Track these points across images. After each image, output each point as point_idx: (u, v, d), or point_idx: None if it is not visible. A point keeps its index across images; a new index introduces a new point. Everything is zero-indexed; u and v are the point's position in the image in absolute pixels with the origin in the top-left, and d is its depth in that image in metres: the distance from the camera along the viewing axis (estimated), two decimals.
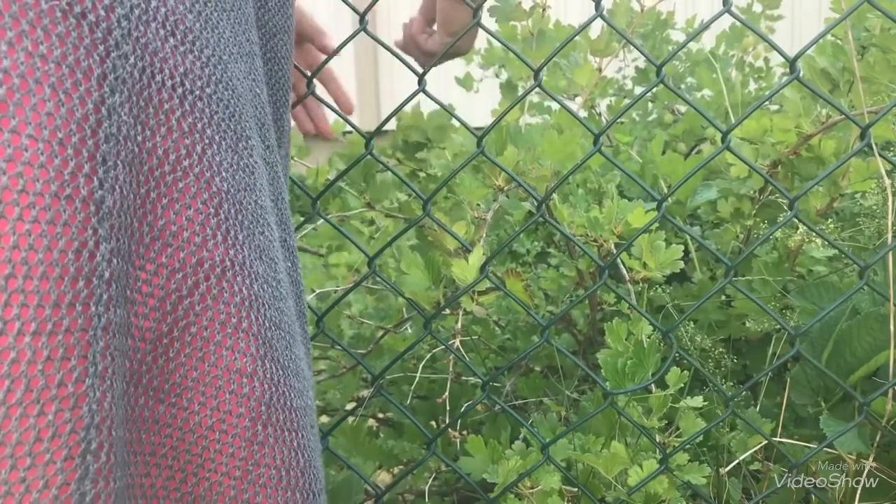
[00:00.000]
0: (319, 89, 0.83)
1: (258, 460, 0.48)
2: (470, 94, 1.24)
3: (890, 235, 0.83)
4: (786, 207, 0.96)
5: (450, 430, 0.83)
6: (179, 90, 0.44)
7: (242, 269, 0.47)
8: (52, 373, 0.38)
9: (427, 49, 0.83)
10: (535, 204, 0.79)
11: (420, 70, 0.80)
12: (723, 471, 0.90)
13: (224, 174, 0.46)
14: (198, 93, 0.45)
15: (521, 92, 1.04)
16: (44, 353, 0.38)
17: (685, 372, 0.80)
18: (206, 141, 0.45)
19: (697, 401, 0.82)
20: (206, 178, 0.45)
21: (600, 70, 1.02)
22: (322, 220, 0.92)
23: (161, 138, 0.44)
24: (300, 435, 0.51)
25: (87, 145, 0.40)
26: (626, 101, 1.30)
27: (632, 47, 0.80)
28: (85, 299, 0.40)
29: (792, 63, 0.76)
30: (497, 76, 1.18)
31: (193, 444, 0.47)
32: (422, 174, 1.00)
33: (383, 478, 1.11)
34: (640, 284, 0.86)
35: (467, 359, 0.85)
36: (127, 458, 0.44)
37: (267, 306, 0.48)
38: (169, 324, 0.45)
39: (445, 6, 0.80)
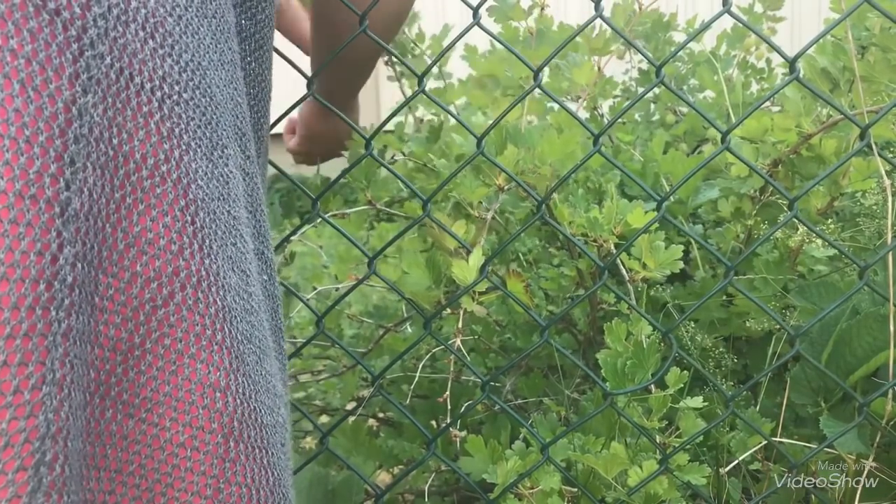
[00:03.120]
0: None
1: (229, 478, 0.47)
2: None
3: (890, 236, 0.83)
4: (786, 208, 0.96)
5: (451, 429, 0.83)
6: (158, 94, 0.43)
7: (217, 280, 0.46)
8: (8, 379, 0.37)
9: (290, 148, 0.99)
10: (536, 204, 0.79)
11: (419, 71, 0.81)
12: (723, 471, 0.90)
13: (200, 182, 0.45)
14: (175, 97, 0.44)
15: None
16: (1, 358, 0.37)
17: (685, 372, 0.80)
18: (184, 147, 0.44)
19: (697, 401, 0.82)
20: (184, 184, 0.44)
21: (600, 69, 1.02)
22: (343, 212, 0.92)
23: (139, 142, 0.43)
24: (269, 453, 0.49)
25: (55, 145, 0.39)
26: (628, 102, 1.30)
27: (636, 49, 0.80)
28: (45, 303, 0.38)
29: (792, 63, 0.76)
30: None
31: (163, 461, 0.45)
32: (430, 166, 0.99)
33: (383, 478, 1.11)
34: (640, 284, 0.86)
35: (468, 359, 0.85)
36: (87, 472, 0.43)
37: (238, 319, 0.47)
38: (142, 335, 0.44)
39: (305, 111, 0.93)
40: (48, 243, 0.39)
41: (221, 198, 0.47)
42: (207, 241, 0.45)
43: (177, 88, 0.44)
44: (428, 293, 0.84)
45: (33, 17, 0.39)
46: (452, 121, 1.03)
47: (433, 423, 1.06)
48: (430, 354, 0.98)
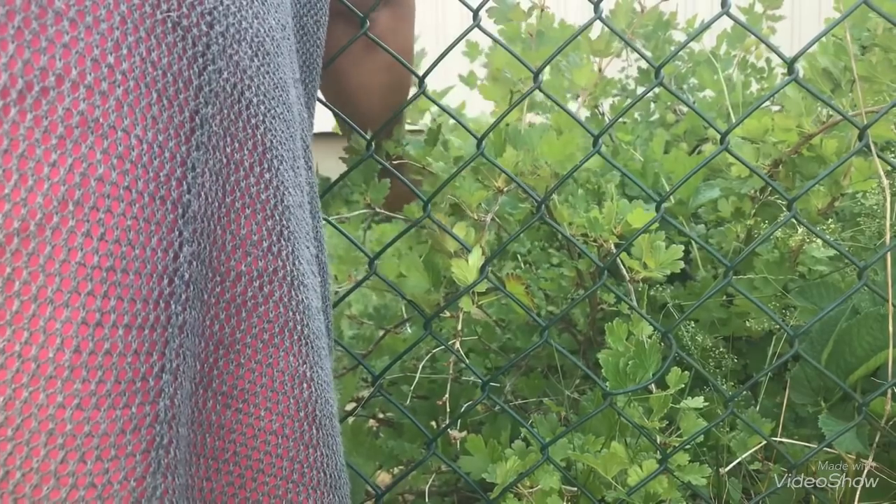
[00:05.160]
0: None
1: (311, 462, 0.51)
2: (473, 89, 1.24)
3: (888, 236, 0.83)
4: (785, 208, 0.96)
5: (450, 430, 0.83)
6: (262, 107, 0.47)
7: (302, 279, 0.50)
8: (138, 366, 0.40)
9: None
10: (535, 205, 0.79)
11: (420, 73, 0.81)
12: (723, 471, 0.90)
13: (290, 189, 0.49)
14: (273, 111, 0.48)
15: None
16: (132, 347, 0.40)
17: (685, 372, 0.80)
18: (280, 157, 0.48)
19: (698, 401, 0.82)
20: (281, 191, 0.48)
21: (601, 70, 1.02)
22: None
23: (247, 151, 0.46)
24: (336, 439, 0.54)
25: (181, 151, 0.42)
26: (628, 102, 1.30)
27: (636, 51, 0.80)
28: (167, 297, 0.42)
29: (791, 64, 0.76)
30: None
31: (256, 448, 0.49)
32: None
33: (383, 478, 1.11)
34: (641, 284, 0.86)
35: (467, 360, 0.85)
36: (189, 458, 0.46)
37: (313, 316, 0.51)
38: (242, 330, 0.47)
39: None
40: (171, 242, 0.42)
41: (300, 205, 0.51)
42: (295, 243, 0.49)
43: (273, 103, 0.48)
44: (427, 296, 0.84)
45: (170, 33, 0.42)
46: (451, 122, 1.03)
47: (433, 423, 1.06)
48: (430, 355, 0.98)
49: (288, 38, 0.53)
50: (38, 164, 0.37)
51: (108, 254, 0.39)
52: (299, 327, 0.49)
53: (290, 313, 0.49)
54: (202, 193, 0.43)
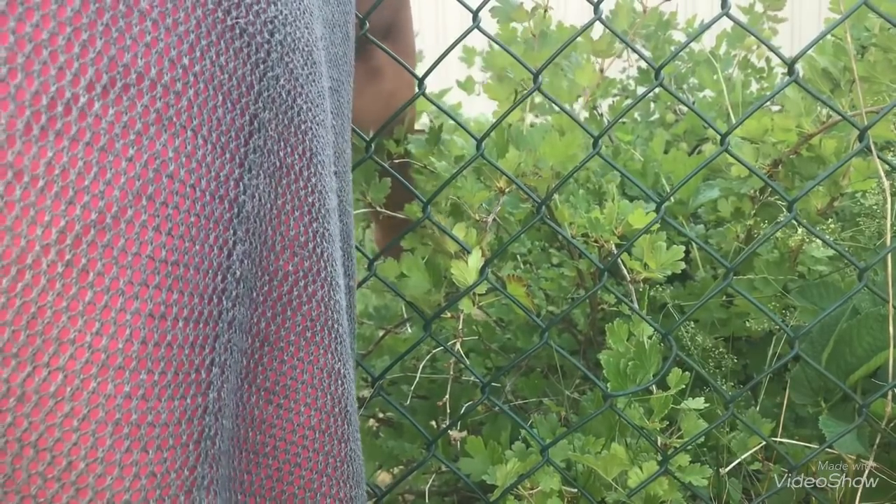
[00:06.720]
0: None
1: (343, 457, 0.53)
2: (471, 95, 1.24)
3: (889, 237, 0.83)
4: (785, 209, 0.96)
5: (450, 431, 0.83)
6: (310, 114, 0.48)
7: (338, 279, 0.51)
8: (193, 359, 0.42)
9: None
10: (535, 205, 0.79)
11: (419, 73, 0.81)
12: (723, 471, 0.90)
13: (329, 194, 0.51)
14: (318, 119, 0.50)
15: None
16: (189, 339, 0.41)
17: (686, 373, 0.80)
18: (322, 162, 0.50)
19: (699, 402, 0.82)
20: (324, 195, 0.50)
21: (602, 71, 1.02)
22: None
23: (298, 156, 0.48)
24: (359, 435, 0.55)
25: (240, 153, 0.44)
26: (628, 102, 1.30)
27: (636, 52, 0.80)
28: (219, 293, 0.43)
29: (790, 65, 0.76)
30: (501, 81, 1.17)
31: (294, 443, 0.51)
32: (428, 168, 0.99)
33: (383, 478, 1.11)
34: (642, 284, 0.86)
35: (467, 361, 0.85)
36: (231, 450, 0.48)
37: (343, 315, 0.53)
38: (287, 328, 0.49)
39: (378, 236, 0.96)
40: (227, 240, 0.43)
41: (334, 210, 0.53)
42: (333, 245, 0.51)
43: (317, 111, 0.50)
44: (428, 296, 0.84)
45: (238, 38, 0.44)
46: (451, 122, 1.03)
47: (433, 423, 1.06)
48: (430, 355, 0.98)
49: (325, 49, 0.54)
50: (117, 159, 0.38)
51: (174, 248, 0.40)
52: (336, 326, 0.51)
53: (329, 312, 0.50)
54: (256, 195, 0.45)
